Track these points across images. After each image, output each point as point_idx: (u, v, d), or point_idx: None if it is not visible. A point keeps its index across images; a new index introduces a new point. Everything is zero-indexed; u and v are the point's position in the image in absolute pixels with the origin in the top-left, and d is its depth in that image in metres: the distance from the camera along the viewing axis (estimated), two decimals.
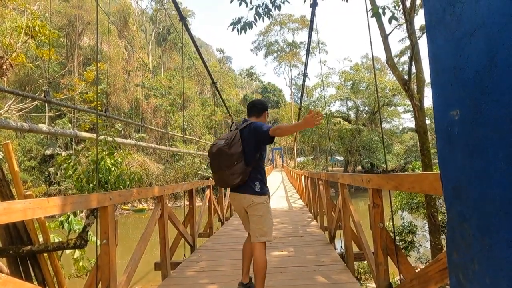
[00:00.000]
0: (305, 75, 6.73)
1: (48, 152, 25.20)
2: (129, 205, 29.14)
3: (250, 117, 2.85)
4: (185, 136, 24.92)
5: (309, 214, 7.84)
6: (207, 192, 6.21)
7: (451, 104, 0.57)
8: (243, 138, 2.58)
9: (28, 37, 10.16)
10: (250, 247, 2.73)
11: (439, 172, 0.63)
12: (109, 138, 4.70)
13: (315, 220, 6.88)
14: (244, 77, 72.64)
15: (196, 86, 47.42)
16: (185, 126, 33.09)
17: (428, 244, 7.53)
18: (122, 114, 31.05)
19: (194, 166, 29.23)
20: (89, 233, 4.58)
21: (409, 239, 7.09)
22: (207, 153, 3.05)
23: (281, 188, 17.65)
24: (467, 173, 0.54)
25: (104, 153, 4.42)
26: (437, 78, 0.61)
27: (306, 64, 6.13)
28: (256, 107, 2.85)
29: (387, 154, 31.99)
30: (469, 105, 0.53)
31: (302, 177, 11.15)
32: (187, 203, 5.35)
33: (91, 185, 4.17)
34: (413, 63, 5.50)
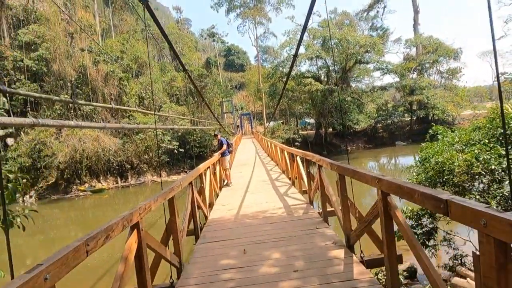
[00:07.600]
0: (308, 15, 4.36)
1: None
2: (86, 185, 26.22)
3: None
4: (156, 113, 22.06)
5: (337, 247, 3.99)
6: (189, 192, 4.93)
7: None
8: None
9: None
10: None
11: None
12: None
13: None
14: (205, 38, 67.86)
15: (153, 50, 43.29)
16: (143, 94, 29.88)
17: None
18: (69, 83, 27.23)
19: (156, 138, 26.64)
20: None
21: (431, 226, 5.53)
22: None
23: (259, 166, 13.49)
24: None
25: None
26: None
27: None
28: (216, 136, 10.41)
29: (359, 114, 31.04)
30: None
31: (298, 159, 7.88)
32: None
33: None
34: None
